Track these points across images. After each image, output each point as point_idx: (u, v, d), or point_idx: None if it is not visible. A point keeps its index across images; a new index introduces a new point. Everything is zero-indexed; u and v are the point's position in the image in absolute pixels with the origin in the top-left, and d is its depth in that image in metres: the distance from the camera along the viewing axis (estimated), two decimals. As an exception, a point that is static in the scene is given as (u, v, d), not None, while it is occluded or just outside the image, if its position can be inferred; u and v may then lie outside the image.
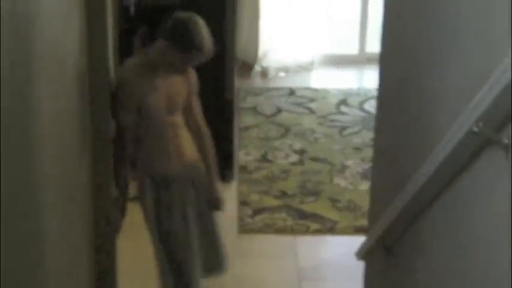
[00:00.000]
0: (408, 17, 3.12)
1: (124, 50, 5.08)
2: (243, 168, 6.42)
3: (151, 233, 4.04)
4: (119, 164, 3.92)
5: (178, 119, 4.07)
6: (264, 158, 6.62)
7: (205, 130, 4.21)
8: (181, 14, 3.93)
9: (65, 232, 3.07)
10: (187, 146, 4.11)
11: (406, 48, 3.14)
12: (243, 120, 7.28)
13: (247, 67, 8.54)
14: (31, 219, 2.47)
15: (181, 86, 4.05)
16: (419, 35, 2.92)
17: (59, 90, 2.92)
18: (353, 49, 9.00)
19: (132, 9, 5.79)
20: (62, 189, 2.98)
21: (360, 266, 3.87)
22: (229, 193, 6.07)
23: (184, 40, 3.83)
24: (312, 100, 7.89)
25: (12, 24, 2.13)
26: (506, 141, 1.89)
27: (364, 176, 6.19)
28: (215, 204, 4.23)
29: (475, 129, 1.98)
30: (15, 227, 2.25)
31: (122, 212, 4.02)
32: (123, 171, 3.96)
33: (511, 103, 1.87)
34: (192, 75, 4.10)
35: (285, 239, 5.54)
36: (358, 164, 6.51)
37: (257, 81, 8.45)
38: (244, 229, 5.61)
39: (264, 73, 8.57)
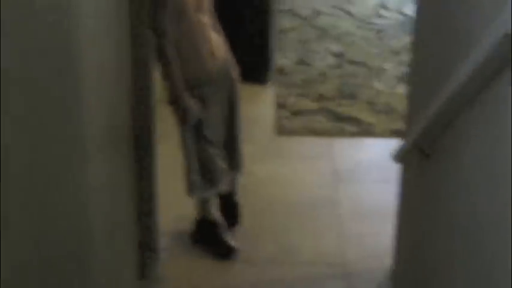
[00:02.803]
0: None
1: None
2: (280, 71, 6.44)
3: (183, 134, 4.12)
4: (169, 72, 3.95)
5: (207, 19, 4.09)
6: (301, 61, 6.63)
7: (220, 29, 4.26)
8: None
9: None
10: (217, 46, 4.14)
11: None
12: (280, 22, 7.26)
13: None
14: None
15: None
16: None
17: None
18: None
19: None
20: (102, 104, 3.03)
21: (396, 168, 3.91)
22: (267, 95, 6.12)
23: None
24: (350, 2, 7.84)
25: None
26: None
27: (401, 79, 6.20)
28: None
29: (510, 31, 1.98)
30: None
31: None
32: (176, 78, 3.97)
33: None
34: None
35: (322, 141, 5.59)
36: (395, 67, 6.52)
37: (295, -17, 8.39)
38: (282, 131, 5.66)
39: (303, -25, 8.51)
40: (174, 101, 3.99)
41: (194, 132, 4.11)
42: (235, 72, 4.28)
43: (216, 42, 4.13)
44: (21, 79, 2.06)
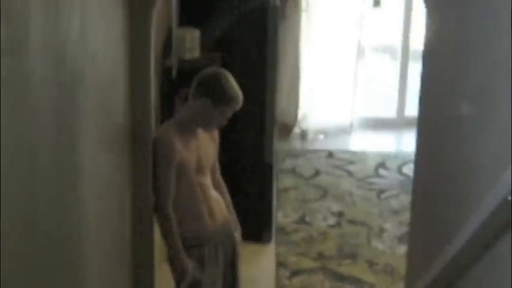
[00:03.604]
0: (447, 81, 3.15)
1: (166, 112, 5.16)
2: (281, 230, 6.44)
3: None
4: (169, 236, 3.96)
5: (207, 180, 4.12)
6: (302, 220, 6.64)
7: (225, 188, 4.29)
8: (209, 70, 4.02)
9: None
10: (218, 206, 4.15)
11: (444, 112, 3.17)
12: (281, 181, 7.32)
13: (287, 129, 8.60)
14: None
15: (210, 148, 4.12)
16: (457, 101, 2.95)
17: (103, 147, 2.97)
18: (391, 112, 9.05)
19: (173, 71, 5.89)
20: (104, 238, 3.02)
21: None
22: (267, 254, 6.09)
23: (221, 95, 3.89)
24: (350, 163, 7.93)
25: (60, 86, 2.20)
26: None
27: (401, 239, 6.19)
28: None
29: (510, 198, 1.99)
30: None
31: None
32: (176, 243, 3.97)
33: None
34: (217, 136, 4.17)
35: (322, 302, 5.53)
36: (395, 227, 6.51)
37: (296, 143, 8.51)
38: (282, 291, 5.61)
39: (303, 135, 8.63)
40: (172, 259, 3.99)
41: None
42: (237, 231, 4.27)
43: (217, 202, 4.15)
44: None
